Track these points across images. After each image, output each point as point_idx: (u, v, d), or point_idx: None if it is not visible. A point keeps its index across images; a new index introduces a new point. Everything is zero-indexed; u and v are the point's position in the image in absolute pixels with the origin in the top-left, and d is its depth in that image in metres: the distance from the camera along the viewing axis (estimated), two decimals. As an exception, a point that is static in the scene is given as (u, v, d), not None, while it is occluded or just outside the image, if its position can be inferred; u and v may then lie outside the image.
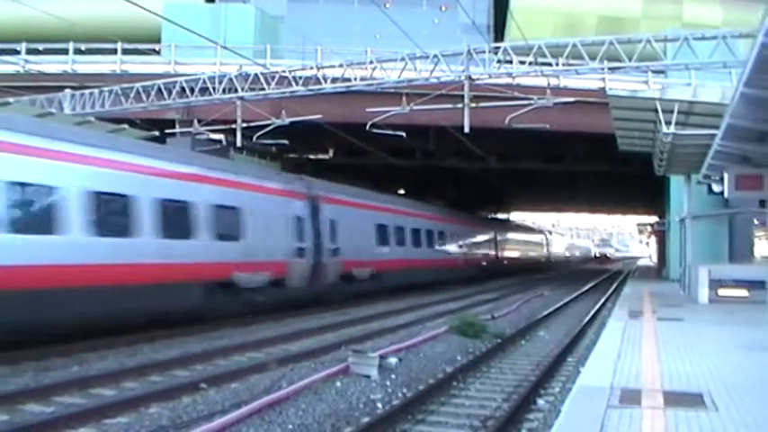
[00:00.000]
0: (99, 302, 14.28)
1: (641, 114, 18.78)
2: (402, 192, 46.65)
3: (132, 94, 24.04)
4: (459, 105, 21.01)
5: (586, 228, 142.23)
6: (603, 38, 20.06)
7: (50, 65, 29.74)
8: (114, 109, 24.27)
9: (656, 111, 17.49)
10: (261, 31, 38.89)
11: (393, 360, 12.42)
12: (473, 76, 20.84)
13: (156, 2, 29.08)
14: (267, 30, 39.55)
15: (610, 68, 20.94)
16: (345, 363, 11.81)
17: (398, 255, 30.30)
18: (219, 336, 16.39)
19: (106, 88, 24.51)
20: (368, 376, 11.36)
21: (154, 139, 19.59)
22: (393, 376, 11.68)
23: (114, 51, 30.34)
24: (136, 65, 30.45)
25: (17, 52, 30.71)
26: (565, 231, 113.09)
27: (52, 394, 10.23)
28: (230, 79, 23.30)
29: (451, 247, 39.02)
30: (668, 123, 17.39)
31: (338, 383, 10.85)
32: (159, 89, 23.91)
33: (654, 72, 26.29)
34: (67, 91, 25.29)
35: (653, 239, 68.73)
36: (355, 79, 22.28)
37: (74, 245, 14.00)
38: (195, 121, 24.77)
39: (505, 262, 52.44)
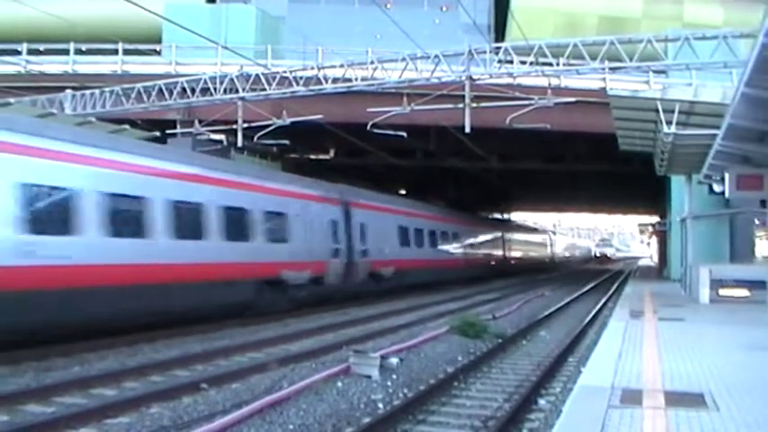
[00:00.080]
0: (178, 297, 16.22)
1: (642, 114, 18.77)
2: (403, 192, 46.66)
3: (133, 95, 24.06)
4: (460, 105, 21.02)
5: (587, 228, 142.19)
6: (604, 38, 20.06)
7: (51, 65, 29.76)
8: (115, 109, 24.29)
9: (657, 111, 17.48)
10: (262, 32, 38.91)
11: (394, 360, 12.41)
12: (474, 77, 20.86)
13: (157, 2, 29.09)
14: (268, 30, 39.57)
15: (611, 68, 20.94)
16: (346, 363, 11.81)
17: (418, 255, 32.42)
18: (220, 336, 16.39)
19: (107, 89, 24.53)
20: (369, 376, 11.36)
21: (155, 139, 19.60)
22: (394, 376, 11.67)
23: (115, 52, 30.36)
24: (137, 65, 30.47)
25: (18, 53, 30.73)
26: (566, 231, 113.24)
27: (53, 394, 10.23)
28: (231, 80, 23.31)
29: (464, 248, 41.03)
30: (669, 123, 17.38)
31: (339, 384, 10.84)
32: (160, 89, 23.93)
33: (655, 72, 26.27)
34: (68, 91, 25.31)
35: (654, 239, 68.77)
36: (356, 79, 22.29)
37: (162, 247, 16.10)
38: (196, 122, 24.79)
39: (512, 262, 54.13)
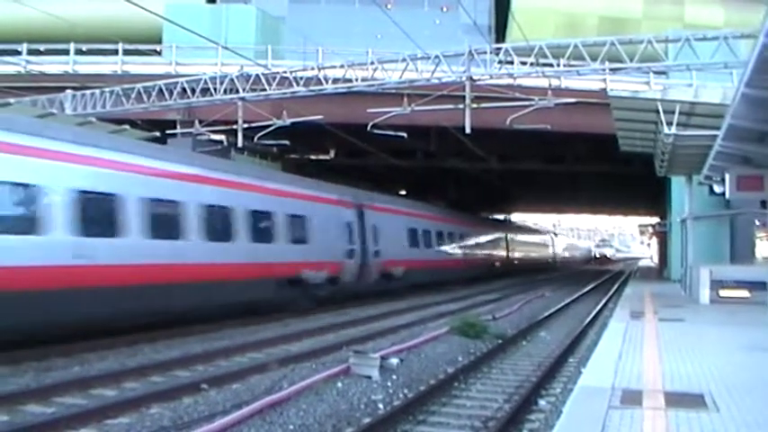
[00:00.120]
0: (211, 295, 17.43)
1: (642, 115, 18.77)
2: (403, 192, 46.67)
3: (133, 95, 24.07)
4: (461, 106, 21.02)
5: (587, 228, 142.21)
6: (605, 38, 20.05)
7: (51, 65, 29.77)
8: (115, 109, 24.30)
9: (658, 111, 17.49)
10: (262, 32, 38.91)
11: (394, 361, 12.40)
12: (474, 77, 20.86)
13: (157, 2, 29.07)
14: (268, 30, 39.57)
15: (611, 69, 20.93)
16: (346, 363, 11.80)
17: (426, 255, 33.51)
18: (220, 336, 16.39)
19: (107, 89, 24.54)
20: (369, 377, 11.35)
21: (155, 139, 19.62)
22: (394, 377, 11.67)
23: (115, 52, 30.36)
24: (137, 65, 30.47)
25: (18, 53, 30.73)
26: (566, 232, 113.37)
27: (53, 395, 10.23)
28: (231, 80, 23.32)
29: (470, 249, 42.26)
30: (669, 124, 17.39)
31: (339, 384, 10.84)
32: (160, 90, 23.94)
33: (655, 73, 26.28)
34: (69, 91, 25.32)
35: (654, 240, 68.77)
36: (356, 80, 22.29)
37: (198, 248, 17.32)
38: (196, 122, 24.79)
39: (516, 262, 55.14)
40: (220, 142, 23.00)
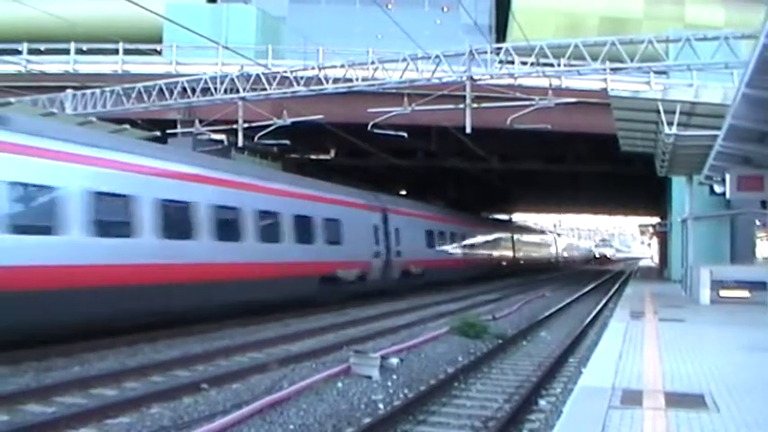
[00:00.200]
0: (263, 291, 19.24)
1: (643, 115, 18.76)
2: (404, 192, 46.70)
3: (134, 95, 24.08)
4: (461, 106, 21.03)
5: (588, 228, 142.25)
6: (605, 38, 20.06)
7: (52, 65, 29.79)
8: (116, 109, 24.31)
9: (658, 111, 17.47)
10: (262, 32, 38.89)
11: (394, 360, 12.41)
12: (475, 77, 20.86)
13: (158, 2, 29.07)
14: (269, 30, 39.55)
15: (612, 69, 20.93)
16: (347, 363, 11.80)
17: (441, 255, 35.97)
18: (220, 336, 16.38)
19: (108, 88, 24.56)
20: (369, 377, 11.35)
21: (155, 139, 19.63)
22: (394, 377, 11.67)
23: (116, 51, 30.37)
24: (137, 65, 30.48)
25: (19, 52, 30.75)
26: (567, 232, 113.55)
27: (53, 394, 10.22)
28: (232, 79, 23.32)
29: (480, 249, 44.93)
30: (670, 124, 17.38)
31: (339, 384, 10.84)
32: (161, 89, 23.95)
33: (656, 73, 26.27)
34: (69, 91, 25.33)
35: (654, 240, 68.78)
36: (357, 80, 22.30)
37: (252, 249, 19.23)
38: (197, 122, 24.82)
39: (522, 262, 57.30)
40: (221, 142, 23.04)
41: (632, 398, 7.90)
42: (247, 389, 10.57)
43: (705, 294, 20.93)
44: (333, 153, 37.31)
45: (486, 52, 21.26)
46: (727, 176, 16.19)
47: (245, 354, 14.22)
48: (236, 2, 41.57)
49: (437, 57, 21.26)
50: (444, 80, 21.51)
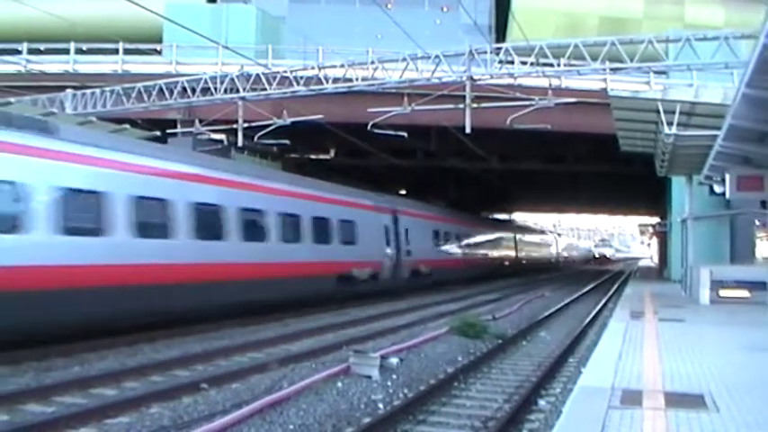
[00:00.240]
0: (287, 289, 20.44)
1: (643, 115, 18.76)
2: (403, 192, 46.73)
3: (134, 94, 24.08)
4: (461, 106, 21.03)
5: (588, 228, 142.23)
6: (605, 38, 20.06)
7: (52, 65, 29.78)
8: (116, 109, 24.31)
9: (658, 111, 17.47)
10: (262, 32, 38.88)
11: (394, 360, 12.40)
12: (475, 77, 20.86)
13: (158, 2, 29.05)
14: (268, 30, 39.54)
15: (611, 69, 20.93)
16: (346, 363, 11.80)
17: (447, 255, 37.14)
18: (220, 336, 16.38)
19: (107, 88, 24.55)
20: (369, 376, 11.35)
21: (155, 139, 19.63)
22: (394, 376, 11.66)
23: (116, 51, 30.37)
24: (137, 65, 30.48)
25: (18, 52, 30.75)
26: (567, 232, 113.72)
27: (53, 394, 10.22)
28: (232, 79, 23.32)
29: (484, 250, 46.17)
30: (670, 124, 17.38)
31: (339, 384, 10.84)
32: (161, 89, 23.95)
33: (655, 73, 26.27)
34: (69, 91, 25.32)
35: (654, 240, 68.81)
36: (357, 79, 22.30)
37: (277, 249, 20.50)
38: (196, 121, 24.83)
39: (524, 261, 58.54)
40: (221, 141, 23.04)
41: (632, 398, 7.90)
42: (247, 389, 10.56)
43: (705, 294, 20.93)
44: (332, 153, 37.32)
45: (485, 52, 21.26)
46: (727, 176, 16.19)
47: (244, 353, 14.22)
48: (235, 2, 41.54)
49: (437, 57, 21.26)
50: (444, 80, 21.51)
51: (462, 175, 44.87)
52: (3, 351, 12.15)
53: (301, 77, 22.84)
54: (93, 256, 14.05)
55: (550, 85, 23.22)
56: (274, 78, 23.12)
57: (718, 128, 14.51)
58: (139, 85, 24.06)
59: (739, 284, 20.94)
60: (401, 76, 21.75)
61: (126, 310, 14.74)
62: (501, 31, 46.67)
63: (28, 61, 29.61)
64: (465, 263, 40.19)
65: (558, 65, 21.02)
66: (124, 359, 13.12)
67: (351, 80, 22.31)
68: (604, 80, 26.21)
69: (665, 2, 46.37)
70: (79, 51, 31.14)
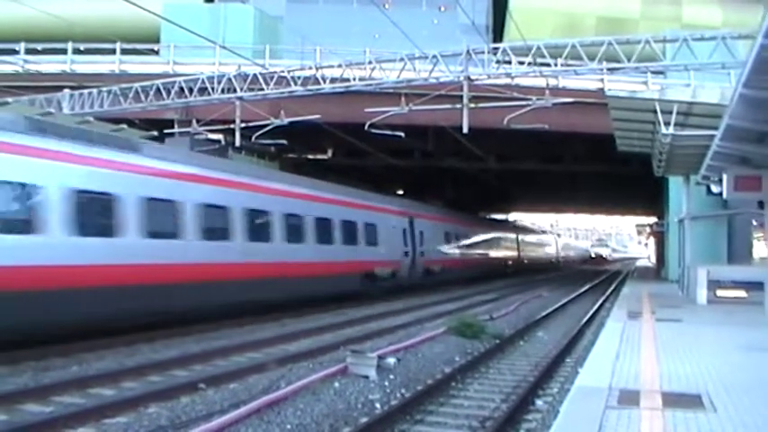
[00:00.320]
0: (318, 286, 22.45)
1: (640, 115, 18.78)
2: (401, 192, 46.73)
3: (131, 94, 24.03)
4: (458, 106, 21.00)
5: (585, 228, 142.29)
6: (602, 38, 20.03)
7: (49, 65, 29.72)
8: (113, 109, 24.26)
9: (655, 111, 17.50)
10: (260, 32, 38.88)
11: (391, 360, 12.41)
12: (472, 77, 20.83)
13: (155, 2, 29.02)
14: (266, 30, 39.54)
15: (609, 69, 20.92)
16: (344, 363, 11.81)
17: (456, 255, 39.56)
18: (218, 336, 16.39)
19: (105, 88, 24.49)
20: (366, 377, 11.36)
21: (153, 138, 19.60)
22: (391, 377, 11.68)
23: (113, 51, 30.32)
24: (135, 65, 30.42)
25: (16, 52, 30.68)
26: (565, 232, 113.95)
27: (51, 394, 10.23)
28: (229, 79, 23.28)
29: (489, 250, 48.40)
30: (667, 124, 17.40)
31: (336, 384, 10.85)
32: (158, 89, 23.90)
33: (653, 73, 26.29)
34: (66, 91, 25.27)
35: (651, 240, 68.87)
36: (354, 79, 22.26)
37: (310, 249, 22.55)
38: (194, 121, 24.76)
39: (525, 261, 60.50)
40: (218, 141, 22.99)
41: (629, 398, 7.92)
42: (245, 389, 10.57)
43: (702, 294, 20.96)
44: (330, 153, 37.30)
45: (483, 52, 21.24)
46: (725, 176, 16.20)
47: (242, 354, 14.23)
48: (233, 1, 41.49)
49: (434, 56, 21.24)
50: (441, 80, 21.49)
51: (460, 174, 44.83)
52: (1, 351, 12.15)
53: (299, 77, 22.81)
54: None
55: (548, 84, 23.22)
56: (272, 78, 23.09)
57: (716, 128, 14.52)
58: (137, 85, 24.01)
59: (736, 284, 20.97)
60: (398, 76, 21.73)
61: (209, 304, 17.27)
62: (498, 31, 46.71)
63: (25, 61, 29.56)
64: (471, 262, 42.44)
65: (556, 65, 21.01)
66: (122, 359, 13.12)
67: (348, 80, 22.28)
68: (602, 80, 26.23)
69: (663, 2, 46.44)
70: (77, 51, 31.07)
